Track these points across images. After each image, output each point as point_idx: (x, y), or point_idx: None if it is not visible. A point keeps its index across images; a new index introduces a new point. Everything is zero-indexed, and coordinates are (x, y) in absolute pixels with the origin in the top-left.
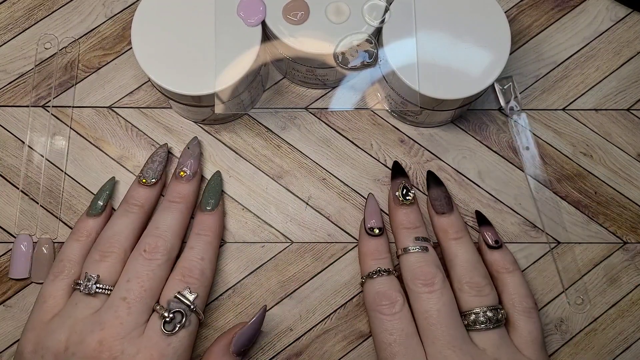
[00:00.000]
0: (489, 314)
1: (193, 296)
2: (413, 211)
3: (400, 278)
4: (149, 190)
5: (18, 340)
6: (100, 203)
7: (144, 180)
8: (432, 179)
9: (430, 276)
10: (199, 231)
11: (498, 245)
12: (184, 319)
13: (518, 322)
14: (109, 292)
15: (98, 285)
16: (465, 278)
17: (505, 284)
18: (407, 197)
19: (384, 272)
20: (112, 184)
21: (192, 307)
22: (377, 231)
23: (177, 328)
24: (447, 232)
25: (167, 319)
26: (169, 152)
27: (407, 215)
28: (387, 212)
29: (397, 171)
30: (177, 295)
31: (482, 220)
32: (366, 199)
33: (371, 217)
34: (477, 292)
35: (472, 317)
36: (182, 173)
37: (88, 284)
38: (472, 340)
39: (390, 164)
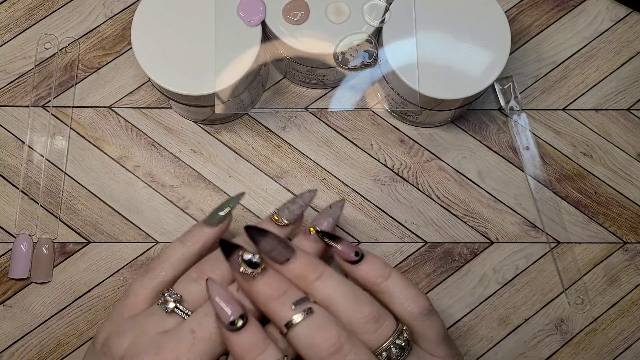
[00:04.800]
0: (399, 341)
1: None
2: (271, 276)
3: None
4: (279, 230)
5: (18, 340)
6: (221, 214)
7: (275, 218)
8: (254, 231)
9: (334, 340)
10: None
11: (359, 256)
12: None
13: (420, 327)
14: (185, 317)
15: (178, 306)
16: (356, 316)
17: (388, 292)
18: (255, 263)
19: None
20: (239, 198)
21: None
22: (240, 322)
23: None
24: (305, 276)
25: None
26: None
27: (267, 285)
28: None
29: (226, 248)
30: None
31: (328, 237)
32: (207, 288)
33: (224, 309)
34: (375, 327)
35: (384, 354)
36: (311, 230)
37: (169, 298)
38: None
39: (390, 164)
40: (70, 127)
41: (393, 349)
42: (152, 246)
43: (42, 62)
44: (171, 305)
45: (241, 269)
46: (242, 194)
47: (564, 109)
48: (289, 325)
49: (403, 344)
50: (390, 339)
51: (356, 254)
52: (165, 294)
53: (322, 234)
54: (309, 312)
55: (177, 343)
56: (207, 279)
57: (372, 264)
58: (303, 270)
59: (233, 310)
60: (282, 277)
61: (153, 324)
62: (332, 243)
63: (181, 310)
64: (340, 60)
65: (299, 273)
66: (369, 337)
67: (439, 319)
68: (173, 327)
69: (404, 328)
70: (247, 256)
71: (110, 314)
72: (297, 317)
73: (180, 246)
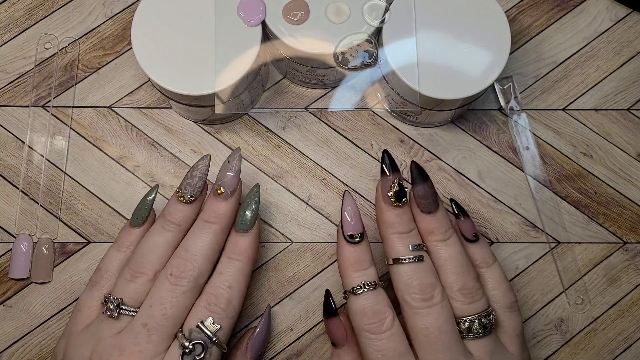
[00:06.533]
0: (484, 320)
1: (216, 327)
2: (405, 212)
3: (386, 288)
4: (187, 207)
5: (18, 340)
6: (143, 214)
7: (181, 197)
8: (418, 173)
9: (430, 289)
10: (230, 254)
11: (476, 238)
12: (204, 352)
13: (502, 319)
14: (133, 314)
15: (122, 308)
16: (458, 285)
17: (485, 279)
18: (402, 196)
19: (369, 285)
20: (155, 192)
21: (213, 339)
22: (357, 238)
23: None
24: (434, 233)
25: (187, 351)
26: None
27: (399, 218)
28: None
29: (389, 165)
30: (199, 325)
31: (459, 211)
32: (342, 198)
33: (350, 221)
34: (470, 300)
35: (466, 324)
36: (219, 190)
37: (111, 306)
38: (467, 349)
39: None
40: (70, 127)
41: (476, 324)
42: None
43: (42, 62)
44: (115, 309)
45: (389, 193)
46: (156, 187)
47: (564, 109)
48: (399, 260)
49: (486, 322)
50: (478, 315)
51: (474, 234)
52: (107, 303)
53: (455, 205)
54: (419, 259)
55: (135, 339)
56: (345, 191)
57: (482, 249)
58: (435, 227)
59: (356, 226)
60: (412, 217)
61: (106, 329)
62: (461, 216)
63: (127, 310)
64: (340, 60)
65: (430, 228)
66: (459, 305)
67: (520, 317)
68: (126, 326)
69: (493, 313)
70: (402, 184)
71: (64, 331)
72: (408, 258)
73: (117, 254)
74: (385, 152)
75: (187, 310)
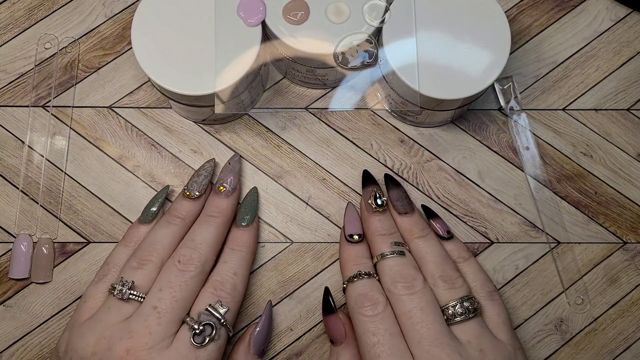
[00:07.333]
0: (466, 304)
1: (224, 310)
2: (386, 218)
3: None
4: (192, 204)
5: (18, 340)
6: (153, 210)
7: (187, 193)
8: (391, 181)
9: (411, 278)
10: (233, 246)
11: (450, 236)
12: (213, 332)
13: (485, 307)
14: (141, 300)
15: (132, 292)
16: (438, 272)
17: (463, 273)
18: (379, 204)
19: (365, 275)
20: (165, 192)
21: (222, 320)
22: (356, 237)
23: (206, 341)
24: (413, 231)
25: (197, 331)
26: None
27: (381, 222)
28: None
29: (368, 179)
30: (208, 308)
31: (430, 213)
32: (345, 208)
33: (351, 224)
34: (450, 285)
35: (450, 310)
36: (221, 188)
37: (122, 288)
38: (454, 334)
39: (390, 164)
40: (70, 127)
41: (458, 308)
42: None
43: (42, 62)
44: (127, 292)
45: (369, 201)
46: (167, 188)
47: (564, 109)
48: (383, 256)
49: (469, 305)
50: (459, 299)
51: (448, 232)
52: (118, 285)
53: (425, 209)
54: (400, 253)
55: (145, 321)
56: (348, 203)
57: (457, 246)
58: (413, 226)
59: (355, 228)
60: (393, 222)
61: (113, 315)
62: (432, 218)
63: (136, 295)
64: (340, 60)
65: (408, 227)
66: (441, 292)
67: (502, 305)
68: (132, 313)
69: (475, 299)
70: (380, 193)
71: (68, 323)
72: (390, 253)
73: (124, 249)
74: (364, 170)
75: (194, 296)
